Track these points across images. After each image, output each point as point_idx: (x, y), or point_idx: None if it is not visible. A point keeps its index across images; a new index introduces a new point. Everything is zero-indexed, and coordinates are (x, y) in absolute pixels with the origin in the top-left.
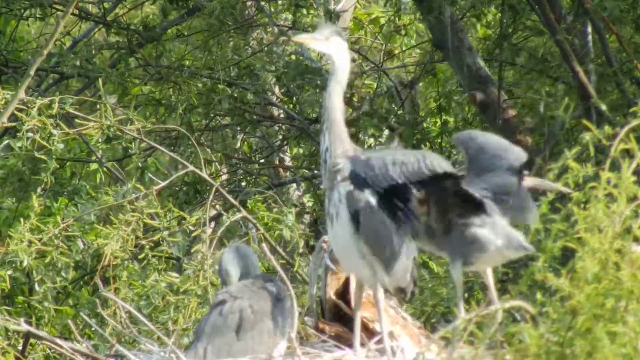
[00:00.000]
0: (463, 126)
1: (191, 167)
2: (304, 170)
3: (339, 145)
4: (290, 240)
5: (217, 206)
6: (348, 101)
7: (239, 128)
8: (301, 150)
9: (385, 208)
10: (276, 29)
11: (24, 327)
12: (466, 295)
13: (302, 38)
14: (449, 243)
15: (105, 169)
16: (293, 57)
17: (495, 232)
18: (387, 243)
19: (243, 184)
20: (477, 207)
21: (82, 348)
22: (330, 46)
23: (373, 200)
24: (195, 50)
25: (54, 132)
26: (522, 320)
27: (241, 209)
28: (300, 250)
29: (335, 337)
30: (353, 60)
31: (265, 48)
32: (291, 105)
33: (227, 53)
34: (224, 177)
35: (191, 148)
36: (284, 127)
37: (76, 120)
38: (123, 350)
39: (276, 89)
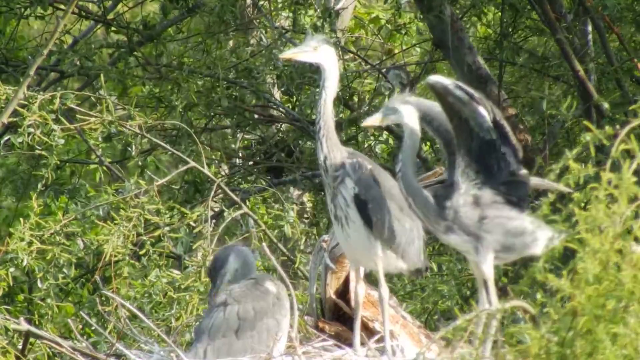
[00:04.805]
0: None
1: (192, 163)
2: (303, 169)
3: (337, 152)
4: (291, 237)
5: (218, 203)
6: (347, 101)
7: (238, 129)
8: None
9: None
10: (275, 31)
11: (24, 326)
12: (468, 293)
13: (290, 53)
14: (483, 233)
15: (104, 167)
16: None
17: (537, 227)
18: (402, 233)
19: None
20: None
21: (82, 347)
22: (319, 56)
23: (379, 195)
24: (195, 48)
25: (55, 127)
26: (523, 320)
27: (243, 205)
28: (302, 247)
29: (335, 337)
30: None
31: (264, 50)
32: (291, 106)
33: (226, 55)
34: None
35: (192, 146)
36: (283, 127)
37: (77, 116)
38: (123, 349)
39: (275, 91)
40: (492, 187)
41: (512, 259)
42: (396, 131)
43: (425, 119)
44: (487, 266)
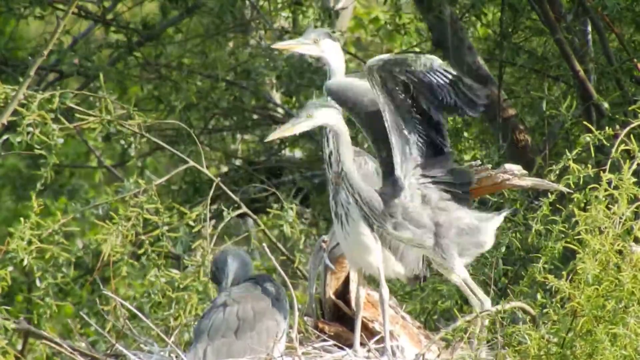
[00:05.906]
0: (462, 126)
1: (192, 162)
2: (303, 170)
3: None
4: (290, 237)
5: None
6: None
7: (238, 133)
8: (301, 151)
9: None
10: (275, 31)
11: (24, 325)
12: None
13: (286, 44)
14: (447, 235)
15: (104, 168)
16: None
17: (485, 220)
18: None
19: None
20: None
21: (82, 347)
22: (322, 50)
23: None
24: (193, 48)
25: (54, 126)
26: (522, 321)
27: (242, 205)
28: (301, 247)
29: (335, 337)
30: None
31: (263, 52)
32: (290, 106)
33: (224, 57)
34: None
35: (191, 147)
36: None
37: (76, 116)
38: (122, 349)
39: (274, 92)
40: (436, 182)
41: (473, 256)
42: None
43: (353, 109)
44: (458, 268)
